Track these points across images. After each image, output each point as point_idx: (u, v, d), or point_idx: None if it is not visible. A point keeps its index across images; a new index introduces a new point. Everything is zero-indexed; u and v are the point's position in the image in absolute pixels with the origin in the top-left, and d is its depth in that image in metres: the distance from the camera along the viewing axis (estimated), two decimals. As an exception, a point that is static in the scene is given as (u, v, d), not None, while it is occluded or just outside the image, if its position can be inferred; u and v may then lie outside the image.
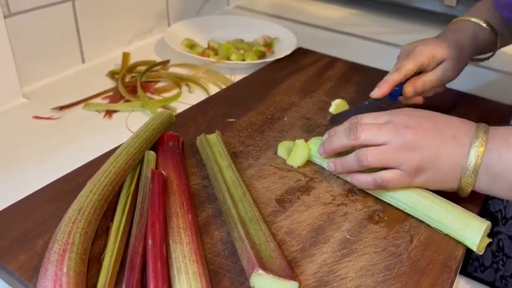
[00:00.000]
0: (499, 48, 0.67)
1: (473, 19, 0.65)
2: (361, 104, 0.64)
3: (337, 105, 0.68)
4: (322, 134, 0.59)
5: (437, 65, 0.63)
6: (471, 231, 0.47)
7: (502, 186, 0.46)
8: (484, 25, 0.64)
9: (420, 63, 0.61)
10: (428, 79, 0.63)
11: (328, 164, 0.55)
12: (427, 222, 0.50)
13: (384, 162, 0.49)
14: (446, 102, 0.73)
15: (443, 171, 0.48)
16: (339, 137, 0.52)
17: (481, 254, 0.47)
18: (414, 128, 0.48)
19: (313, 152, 0.57)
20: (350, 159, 0.51)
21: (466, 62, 0.65)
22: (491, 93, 0.78)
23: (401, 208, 0.52)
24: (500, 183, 0.46)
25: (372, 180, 0.50)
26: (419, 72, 0.64)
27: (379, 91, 0.61)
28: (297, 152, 0.57)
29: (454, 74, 0.64)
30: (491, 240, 0.48)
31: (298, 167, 0.57)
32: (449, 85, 0.68)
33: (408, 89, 0.63)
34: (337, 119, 0.63)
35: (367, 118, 0.52)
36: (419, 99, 0.66)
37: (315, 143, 0.58)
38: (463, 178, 0.47)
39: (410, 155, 0.48)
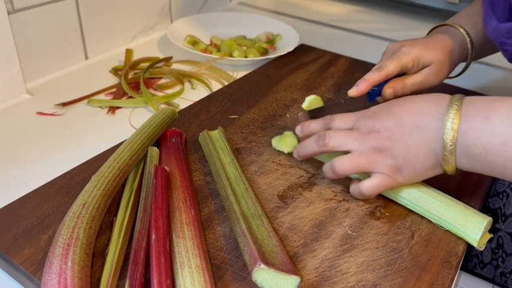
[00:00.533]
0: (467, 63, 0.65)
1: (461, 29, 0.62)
2: (337, 102, 0.61)
3: (310, 101, 0.65)
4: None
5: (422, 68, 0.60)
6: (472, 227, 0.47)
7: (482, 167, 0.44)
8: (468, 39, 0.62)
9: (404, 64, 0.59)
10: (410, 83, 0.60)
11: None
12: (428, 218, 0.50)
13: (358, 169, 0.50)
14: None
15: (419, 162, 0.47)
16: (310, 144, 0.53)
17: (481, 250, 0.47)
18: (378, 131, 0.48)
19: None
20: (327, 167, 0.52)
21: (451, 69, 0.63)
22: (492, 90, 0.78)
23: (402, 204, 0.52)
24: (480, 164, 0.44)
25: (358, 190, 0.51)
26: (401, 74, 0.61)
27: (357, 90, 0.58)
28: (286, 140, 0.59)
29: (437, 80, 0.62)
30: (492, 236, 0.48)
31: (288, 153, 0.59)
32: (450, 81, 0.68)
33: (388, 91, 0.60)
34: (310, 116, 0.60)
35: (338, 121, 0.52)
36: None
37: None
38: (443, 156, 0.45)
39: (381, 158, 0.48)
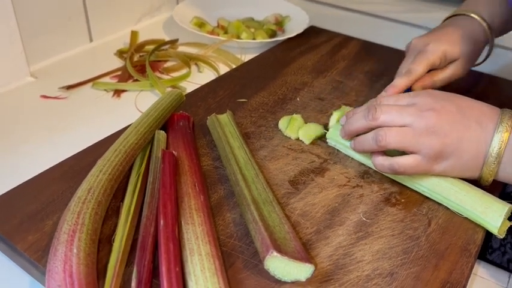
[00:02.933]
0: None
1: (477, 17, 0.60)
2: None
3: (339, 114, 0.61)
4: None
5: (450, 63, 0.60)
6: (492, 214, 0.45)
7: None
8: (486, 25, 0.60)
9: (431, 64, 0.58)
10: (439, 79, 0.60)
11: (350, 143, 0.53)
12: (446, 205, 0.49)
13: (403, 145, 0.46)
14: (465, 82, 0.70)
15: (464, 158, 0.46)
16: (357, 118, 0.50)
17: (501, 237, 0.46)
18: (438, 111, 0.46)
19: (331, 135, 0.56)
20: (368, 138, 0.49)
21: (477, 58, 0.62)
22: (509, 73, 0.76)
23: (419, 191, 0.50)
24: None
25: (388, 164, 0.48)
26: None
27: (386, 96, 0.56)
28: (294, 124, 0.58)
29: (464, 72, 0.61)
30: (512, 223, 0.47)
31: (296, 139, 0.57)
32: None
33: (418, 90, 0.59)
34: None
35: (389, 99, 0.50)
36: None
37: (335, 127, 0.56)
38: (485, 166, 0.45)
39: (432, 140, 0.45)
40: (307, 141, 0.57)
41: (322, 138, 0.58)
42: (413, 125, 0.46)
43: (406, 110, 0.47)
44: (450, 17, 0.64)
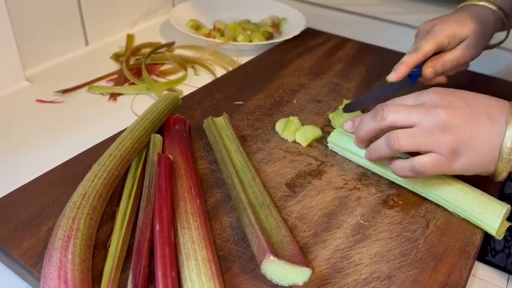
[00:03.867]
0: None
1: (490, 4, 0.59)
2: (379, 88, 0.59)
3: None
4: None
5: (459, 43, 0.59)
6: (490, 215, 0.45)
7: None
8: (499, 10, 0.60)
9: (440, 42, 0.57)
10: (449, 59, 0.59)
11: (364, 154, 0.51)
12: (444, 206, 0.48)
13: (416, 146, 0.45)
14: (462, 83, 0.70)
15: (480, 153, 0.44)
16: (365, 121, 0.49)
17: (500, 238, 0.45)
18: (446, 108, 0.44)
19: (333, 140, 0.55)
20: (380, 143, 0.47)
21: (488, 39, 0.61)
22: (508, 75, 0.75)
23: (416, 192, 0.50)
24: None
25: (409, 166, 0.46)
26: (438, 52, 0.60)
27: (396, 74, 0.56)
28: (291, 126, 0.57)
29: (476, 52, 0.60)
30: (511, 224, 0.46)
31: (293, 142, 0.57)
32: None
33: (428, 70, 0.58)
34: (354, 106, 0.60)
35: (395, 100, 0.48)
36: (442, 79, 0.62)
37: (337, 131, 0.55)
38: (500, 160, 0.44)
39: (445, 137, 0.44)
40: (304, 144, 0.56)
41: (319, 140, 0.58)
42: (423, 123, 0.45)
43: (414, 109, 0.46)
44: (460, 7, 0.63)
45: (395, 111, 0.46)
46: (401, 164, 0.47)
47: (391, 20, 0.98)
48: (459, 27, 0.58)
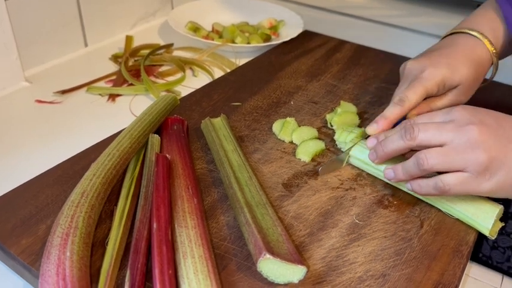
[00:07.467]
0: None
1: (480, 35, 0.55)
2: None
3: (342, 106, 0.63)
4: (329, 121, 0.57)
5: (449, 90, 0.54)
6: (484, 215, 0.46)
7: None
8: (489, 44, 0.55)
9: (428, 92, 0.52)
10: (436, 107, 0.54)
11: (385, 172, 0.49)
12: (438, 207, 0.49)
13: (447, 165, 0.43)
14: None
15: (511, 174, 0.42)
16: (393, 139, 0.47)
17: (493, 238, 0.46)
18: (478, 125, 0.43)
19: (354, 155, 0.54)
20: (410, 164, 0.45)
21: (480, 81, 0.56)
22: None
23: (411, 192, 0.50)
24: None
25: (432, 184, 0.45)
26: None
27: (377, 128, 0.51)
28: (288, 127, 0.58)
29: (467, 97, 0.55)
30: (504, 224, 0.47)
31: (290, 142, 0.58)
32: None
33: (413, 116, 0.52)
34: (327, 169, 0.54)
35: (423, 117, 0.47)
36: None
37: (359, 149, 0.53)
38: None
39: (477, 155, 0.42)
40: (307, 159, 0.55)
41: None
42: (454, 142, 0.43)
43: (444, 127, 0.44)
44: (449, 34, 0.58)
45: (425, 130, 0.45)
46: (426, 183, 0.46)
47: (388, 22, 0.99)
48: (451, 74, 0.52)
